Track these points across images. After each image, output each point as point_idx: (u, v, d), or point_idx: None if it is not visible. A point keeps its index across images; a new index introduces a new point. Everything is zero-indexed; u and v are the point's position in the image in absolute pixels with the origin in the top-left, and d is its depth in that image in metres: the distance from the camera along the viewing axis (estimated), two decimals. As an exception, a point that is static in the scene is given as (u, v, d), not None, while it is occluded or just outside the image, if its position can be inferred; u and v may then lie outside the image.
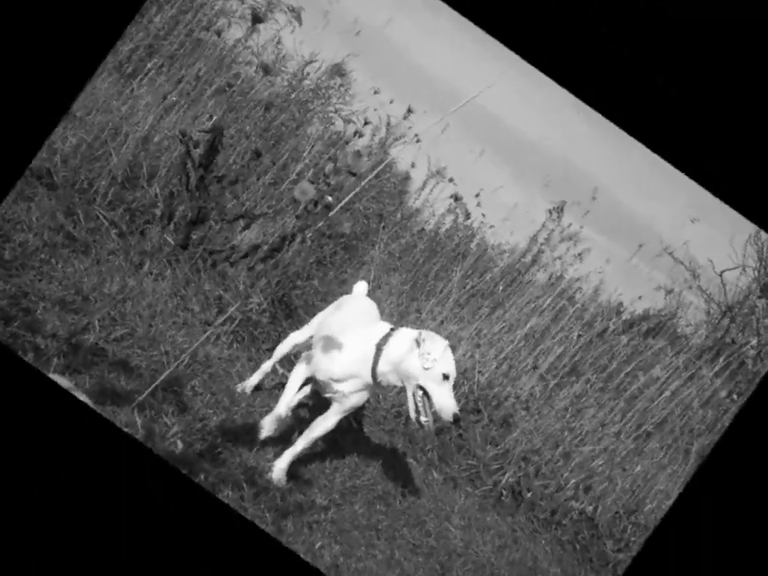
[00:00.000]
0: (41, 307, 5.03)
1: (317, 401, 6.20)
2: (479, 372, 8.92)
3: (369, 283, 6.99)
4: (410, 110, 11.19)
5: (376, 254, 11.29)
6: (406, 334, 5.11)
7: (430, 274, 11.16)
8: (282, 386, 5.90)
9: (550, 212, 11.36)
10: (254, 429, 5.31)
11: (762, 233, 19.07)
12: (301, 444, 5.28)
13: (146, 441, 4.43)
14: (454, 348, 6.25)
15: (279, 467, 5.19)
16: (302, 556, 4.50)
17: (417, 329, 5.21)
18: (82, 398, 3.61)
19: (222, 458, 4.86)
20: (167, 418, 4.80)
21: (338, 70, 10.62)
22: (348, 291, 6.55)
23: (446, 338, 5.64)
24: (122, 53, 8.13)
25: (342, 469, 6.02)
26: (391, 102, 11.59)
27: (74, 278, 5.70)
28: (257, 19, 8.22)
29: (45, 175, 6.77)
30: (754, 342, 11.36)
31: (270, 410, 5.44)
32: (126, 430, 4.37)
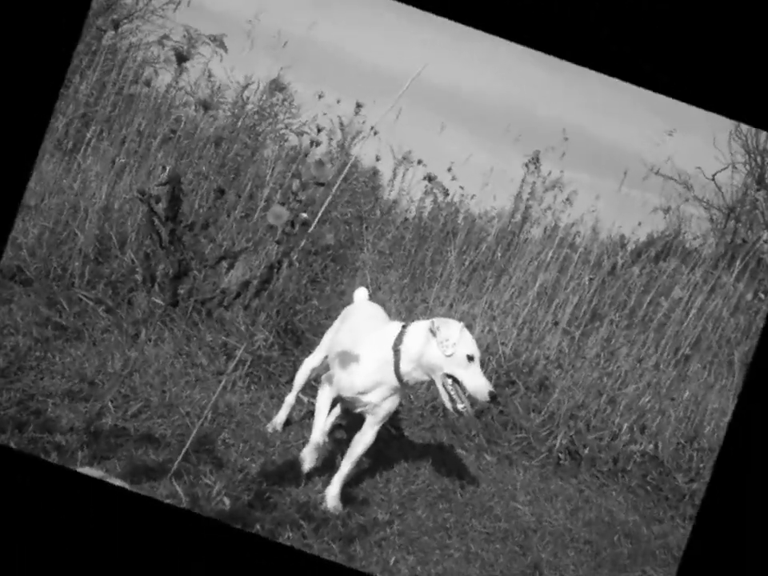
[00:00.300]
0: (50, 405, 4.88)
1: (350, 419, 6.08)
2: (502, 344, 8.78)
3: (368, 288, 6.89)
4: (358, 105, 11.16)
5: (366, 257, 11.22)
6: (419, 327, 4.98)
7: (425, 261, 11.09)
8: (311, 414, 5.79)
9: (527, 165, 11.27)
10: (295, 464, 5.15)
11: (742, 125, 19.00)
12: (346, 466, 5.14)
13: (192, 507, 4.28)
14: (470, 327, 6.12)
15: (331, 495, 5.05)
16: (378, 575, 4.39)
17: (428, 319, 5.07)
18: (117, 482, 3.46)
19: (272, 502, 4.71)
20: (207, 479, 4.64)
21: (276, 86, 10.52)
22: (349, 301, 6.40)
23: (459, 319, 5.51)
24: (58, 130, 7.99)
25: (394, 479, 5.89)
26: (338, 102, 11.60)
27: (74, 366, 5.57)
28: (181, 58, 8.12)
29: (16, 273, 6.67)
30: (765, 235, 11.19)
31: (305, 441, 5.32)
32: (169, 501, 4.23)
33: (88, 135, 8.06)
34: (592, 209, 10.80)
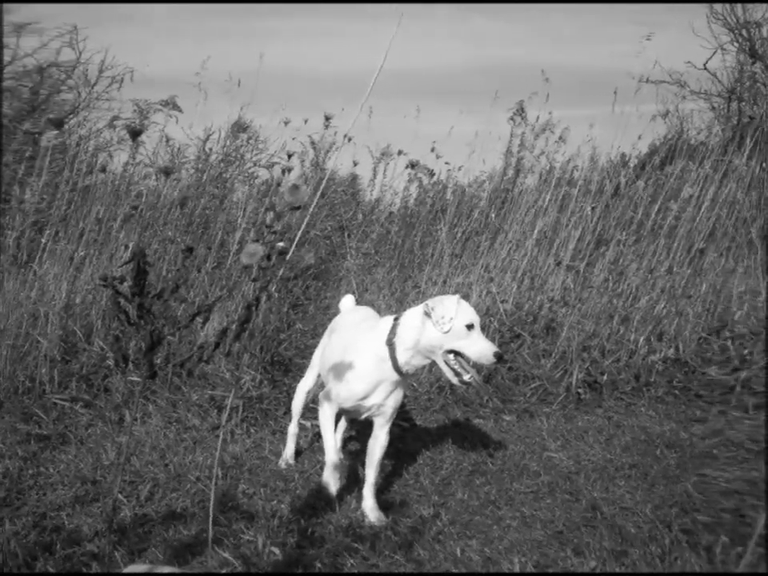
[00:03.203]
0: (65, 517, 4.70)
1: (359, 426, 6.02)
2: (502, 301, 8.68)
3: (353, 293, 6.79)
4: (327, 118, 11.01)
5: (350, 264, 11.07)
6: (412, 314, 4.87)
7: (414, 248, 10.90)
8: (318, 436, 5.76)
9: (512, 118, 11.07)
10: (321, 491, 5.03)
11: (714, 6, 18.90)
12: (371, 474, 5.00)
13: (248, 567, 4.15)
14: (466, 297, 5.97)
15: (369, 507, 4.92)
16: (454, 570, 4.27)
17: (420, 303, 4.96)
18: (167, 570, 3.26)
19: (317, 536, 4.55)
20: (247, 535, 4.48)
21: (238, 128, 10.36)
22: (336, 313, 6.26)
23: (454, 292, 5.37)
24: (10, 246, 7.75)
25: (422, 471, 5.78)
26: (306, 122, 11.38)
27: (70, 471, 5.40)
28: (135, 134, 7.94)
29: None
30: None
31: (322, 464, 5.20)
32: (225, 571, 4.11)
33: (43, 241, 7.82)
34: (588, 139, 10.72)
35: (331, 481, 4.94)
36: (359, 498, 4.98)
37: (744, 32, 19.32)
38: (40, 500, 4.92)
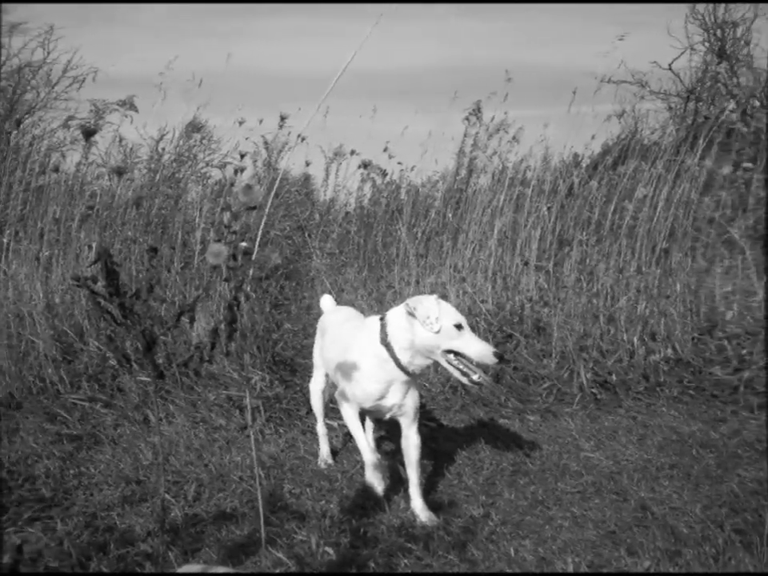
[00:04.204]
0: (116, 516, 4.68)
1: (387, 426, 5.99)
2: (482, 301, 8.71)
3: (330, 293, 6.82)
4: (282, 118, 10.92)
5: (317, 263, 11.06)
6: (396, 315, 4.87)
7: (377, 248, 10.90)
8: (349, 435, 5.75)
9: (467, 118, 11.06)
10: (367, 491, 5.01)
11: (697, 6, 18.94)
12: (413, 474, 4.96)
13: (302, 567, 4.12)
14: (444, 296, 5.97)
15: (419, 508, 4.88)
16: (509, 570, 4.24)
17: (400, 304, 4.95)
18: (222, 570, 3.23)
19: (370, 536, 4.53)
20: (299, 534, 4.46)
21: (193, 127, 10.26)
22: (319, 313, 6.32)
23: (430, 292, 5.38)
24: None
25: (463, 470, 5.74)
26: (261, 122, 11.30)
27: (112, 471, 5.40)
28: (88, 133, 7.90)
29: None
30: (731, 105, 11.04)
31: (362, 463, 5.17)
32: (279, 571, 4.08)
33: (4, 240, 7.76)
34: (541, 138, 10.67)
35: (375, 481, 4.93)
36: (407, 499, 4.95)
37: (718, 32, 19.44)
38: (88, 500, 4.91)
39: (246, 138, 11.15)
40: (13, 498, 4.77)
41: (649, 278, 8.82)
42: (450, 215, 10.53)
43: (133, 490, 5.04)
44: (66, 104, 17.69)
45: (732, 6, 19.12)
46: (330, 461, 5.81)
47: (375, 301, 9.45)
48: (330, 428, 6.15)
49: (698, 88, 18.18)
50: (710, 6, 19.34)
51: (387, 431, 6.20)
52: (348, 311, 5.97)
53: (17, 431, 6.01)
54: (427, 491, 5.17)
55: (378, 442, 6.07)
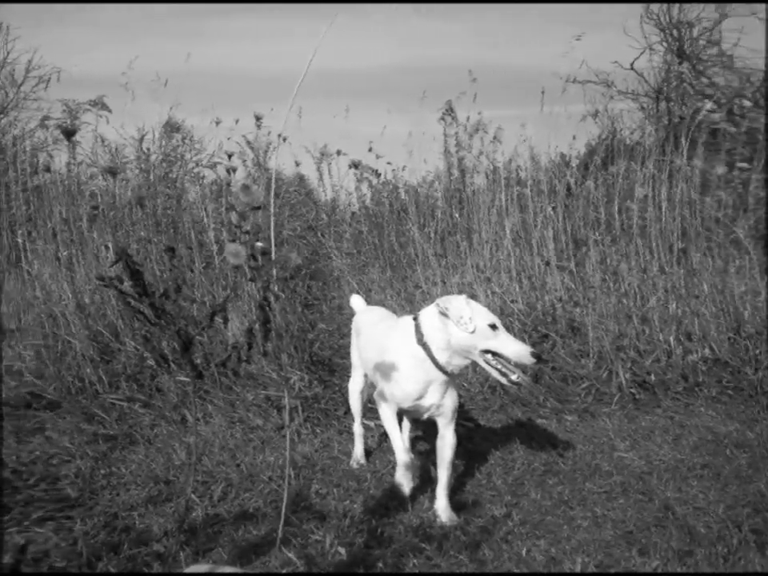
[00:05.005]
0: (137, 517, 4.74)
1: (424, 426, 5.98)
2: (512, 301, 8.68)
3: (358, 293, 6.82)
4: (257, 118, 10.85)
5: (339, 263, 11.10)
6: (428, 315, 4.87)
7: (394, 248, 10.92)
8: (385, 436, 5.71)
9: (443, 118, 11.04)
10: (394, 491, 5.00)
11: (651, 6, 18.89)
12: (444, 474, 4.97)
13: (310, 567, 4.14)
14: (473, 296, 5.96)
15: (442, 508, 4.89)
16: (516, 570, 4.24)
17: (430, 304, 4.97)
18: (228, 570, 3.27)
19: (386, 536, 4.54)
20: (316, 535, 4.48)
21: (171, 128, 10.31)
22: (351, 313, 6.32)
23: (458, 292, 5.34)
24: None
25: (494, 470, 5.75)
26: (237, 122, 11.29)
27: (143, 471, 5.48)
28: (69, 133, 7.95)
29: (32, 400, 6.60)
30: (707, 105, 10.91)
31: (394, 464, 5.17)
32: (286, 570, 4.10)
33: (19, 241, 7.87)
34: (523, 139, 10.60)
35: (404, 481, 4.90)
36: (432, 498, 4.96)
37: (674, 32, 19.30)
38: (113, 500, 4.98)
39: (228, 138, 11.12)
40: (18, 498, 4.82)
41: (674, 278, 8.76)
42: (457, 215, 10.58)
43: (160, 490, 5.10)
44: (38, 104, 18.00)
45: (686, 6, 19.04)
46: (363, 461, 5.85)
47: (405, 301, 9.46)
48: (366, 428, 6.17)
49: (665, 88, 18.07)
50: (664, 6, 19.28)
51: (424, 431, 6.21)
52: (380, 311, 6.01)
53: (42, 430, 6.09)
54: (454, 491, 5.18)
55: (414, 441, 6.10)
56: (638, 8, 19.37)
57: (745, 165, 9.51)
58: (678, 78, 18.00)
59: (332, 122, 12.80)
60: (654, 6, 19.34)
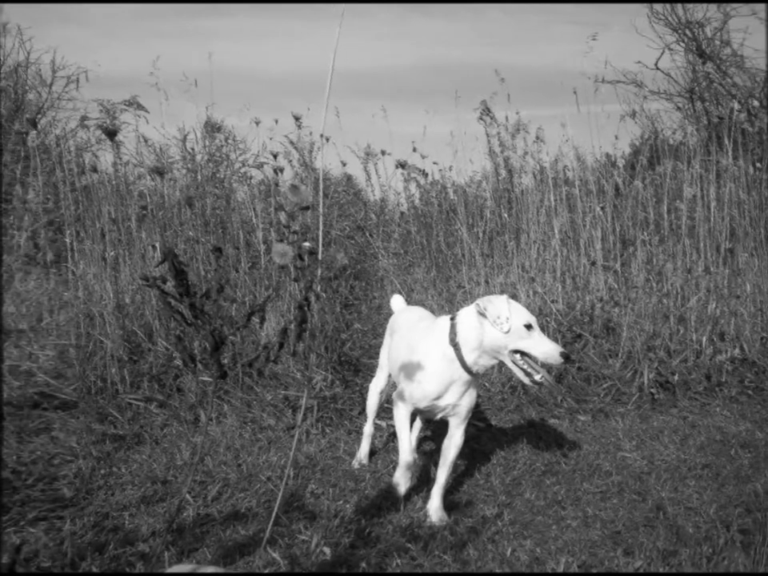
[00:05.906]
0: (127, 517, 4.76)
1: (434, 426, 6.01)
2: (552, 301, 8.66)
3: (400, 293, 6.79)
4: (297, 118, 10.86)
5: (385, 263, 11.10)
6: (467, 314, 4.85)
7: (441, 248, 10.91)
8: (393, 437, 5.79)
9: (482, 118, 11.00)
10: (390, 491, 5.02)
11: (654, 6, 18.75)
12: (443, 474, 4.98)
13: (293, 567, 4.15)
14: (514, 296, 5.93)
15: (434, 508, 4.90)
16: (498, 571, 4.24)
17: (471, 304, 4.94)
18: (210, 570, 3.30)
19: (374, 535, 4.56)
20: (303, 534, 4.50)
21: (211, 128, 10.33)
22: (390, 313, 6.26)
23: (500, 292, 5.34)
24: (20, 246, 7.89)
25: (494, 471, 5.74)
26: (277, 123, 11.30)
27: (142, 471, 5.49)
28: (111, 134, 8.00)
29: (41, 400, 6.60)
30: (735, 105, 10.84)
31: (395, 464, 5.23)
32: (268, 570, 4.10)
33: (67, 241, 7.93)
34: (565, 139, 10.57)
35: (401, 481, 4.92)
36: (427, 498, 4.97)
37: (688, 32, 19.03)
38: (106, 500, 4.99)
39: (270, 138, 11.13)
40: (17, 498, 4.85)
41: (718, 278, 8.71)
42: (506, 215, 10.53)
43: (156, 490, 5.11)
44: (73, 104, 18.08)
45: (690, 6, 18.82)
46: (365, 461, 5.85)
47: (446, 301, 9.47)
48: (377, 427, 6.21)
49: (696, 88, 17.87)
50: (668, 5, 19.07)
51: (433, 431, 6.25)
52: (419, 311, 5.93)
53: (47, 430, 6.07)
54: (451, 491, 5.20)
55: (421, 441, 6.09)
56: (641, 8, 19.28)
57: (759, 165, 9.50)
58: (706, 78, 17.85)
59: (370, 122, 12.82)
60: (659, 6, 19.19)
